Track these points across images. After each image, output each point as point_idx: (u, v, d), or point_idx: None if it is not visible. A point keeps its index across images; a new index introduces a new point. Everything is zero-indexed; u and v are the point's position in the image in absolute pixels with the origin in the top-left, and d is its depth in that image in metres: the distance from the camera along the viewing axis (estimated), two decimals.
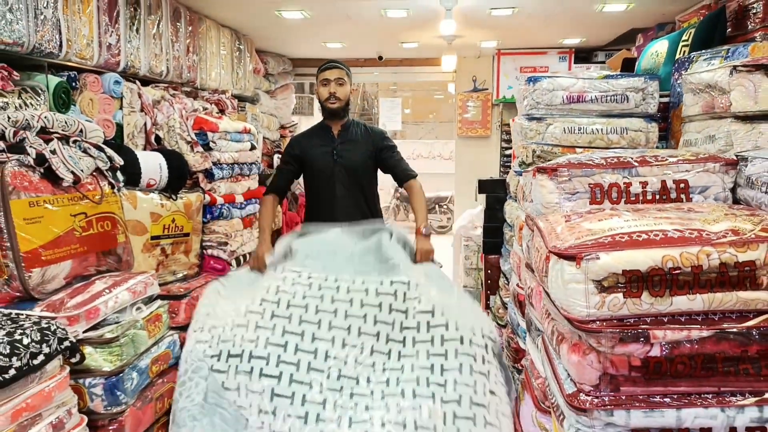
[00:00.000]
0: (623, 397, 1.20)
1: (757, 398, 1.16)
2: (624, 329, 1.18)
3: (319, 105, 2.80)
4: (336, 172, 2.66)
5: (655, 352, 1.17)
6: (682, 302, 1.17)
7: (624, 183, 1.62)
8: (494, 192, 3.16)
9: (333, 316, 1.77)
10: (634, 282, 1.17)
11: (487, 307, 3.16)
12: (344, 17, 3.93)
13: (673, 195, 1.60)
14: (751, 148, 1.68)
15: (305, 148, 2.72)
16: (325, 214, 2.64)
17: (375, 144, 2.72)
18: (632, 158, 1.66)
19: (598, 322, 1.19)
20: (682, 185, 1.60)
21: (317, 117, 8.57)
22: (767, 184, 1.40)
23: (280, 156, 4.72)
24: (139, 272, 2.08)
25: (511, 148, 4.44)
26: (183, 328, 2.37)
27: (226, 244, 2.87)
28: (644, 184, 1.61)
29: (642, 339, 1.17)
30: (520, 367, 2.13)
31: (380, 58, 5.62)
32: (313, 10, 3.69)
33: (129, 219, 2.27)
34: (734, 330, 1.16)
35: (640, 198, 1.61)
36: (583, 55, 5.24)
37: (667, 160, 1.64)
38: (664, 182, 1.61)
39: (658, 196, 1.60)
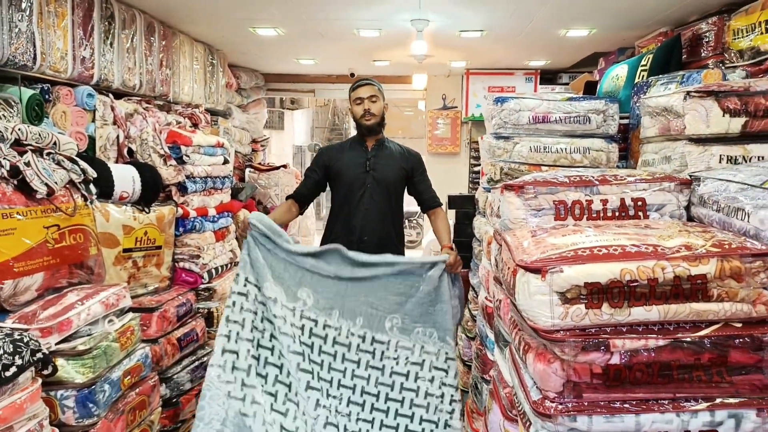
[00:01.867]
0: (586, 404, 1.26)
1: (708, 403, 1.24)
2: (586, 338, 1.25)
3: (355, 124, 2.82)
4: (367, 183, 2.67)
5: (615, 360, 1.24)
6: (640, 313, 1.24)
7: (586, 200, 1.71)
8: (463, 207, 3.25)
9: (320, 368, 2.15)
10: (595, 294, 1.24)
11: None
12: (317, 35, 3.99)
13: (632, 212, 1.69)
14: (704, 168, 1.79)
15: (336, 158, 2.73)
16: (348, 225, 2.66)
17: (410, 164, 2.76)
18: (593, 177, 1.74)
19: (561, 332, 1.26)
20: (639, 203, 1.70)
21: (288, 131, 8.60)
22: (717, 203, 1.50)
23: (251, 170, 4.74)
24: (111, 284, 2.07)
25: (479, 165, 4.55)
26: (154, 341, 2.37)
27: (198, 257, 2.88)
28: (605, 201, 1.70)
29: (603, 348, 1.24)
30: (488, 378, 2.19)
31: (352, 74, 5.70)
32: (286, 27, 3.75)
33: (101, 231, 2.26)
34: (688, 339, 1.24)
35: (601, 215, 1.70)
36: (549, 77, 5.42)
37: (625, 179, 1.73)
38: (623, 200, 1.70)
39: (617, 213, 1.69)
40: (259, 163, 4.99)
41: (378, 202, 2.69)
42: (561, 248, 1.33)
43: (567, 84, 5.09)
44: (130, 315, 2.08)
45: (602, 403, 1.26)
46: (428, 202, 2.77)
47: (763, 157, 1.75)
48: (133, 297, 2.25)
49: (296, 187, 2.79)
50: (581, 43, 4.09)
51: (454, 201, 3.35)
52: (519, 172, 2.49)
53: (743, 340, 1.22)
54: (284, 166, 4.85)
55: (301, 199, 2.68)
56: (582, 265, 1.25)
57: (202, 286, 2.91)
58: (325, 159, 2.75)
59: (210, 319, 2.94)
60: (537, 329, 1.29)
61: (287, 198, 2.72)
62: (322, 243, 2.72)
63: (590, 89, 3.35)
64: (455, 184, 5.59)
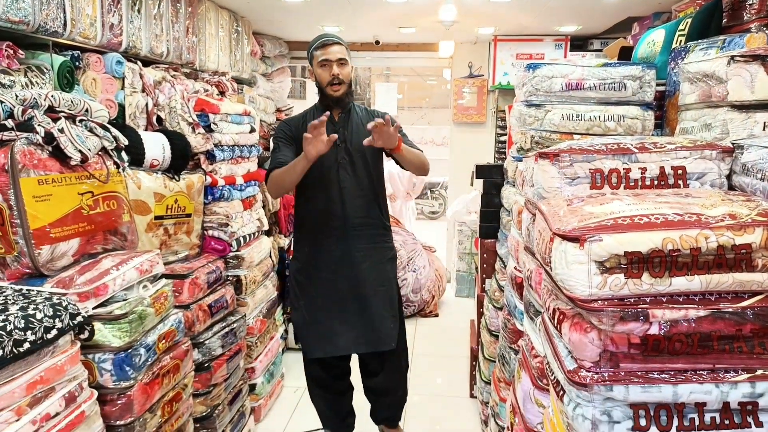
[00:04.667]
0: (622, 374, 1.25)
1: (749, 375, 1.22)
2: (624, 308, 1.23)
3: (317, 90, 2.47)
4: (339, 158, 2.42)
5: (654, 330, 1.22)
6: (681, 283, 1.22)
7: (624, 169, 1.67)
8: (491, 177, 3.21)
9: None
10: (635, 263, 1.21)
11: (483, 290, 3.22)
12: (344, 1, 3.93)
13: (671, 181, 1.65)
14: (747, 136, 1.73)
15: (301, 131, 2.34)
16: (327, 209, 2.45)
17: None
18: (632, 145, 1.70)
19: (599, 302, 1.24)
20: (679, 171, 1.65)
21: (310, 101, 8.55)
22: (762, 171, 1.45)
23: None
24: (144, 251, 2.10)
25: (506, 134, 4.48)
26: (186, 307, 2.42)
27: (226, 225, 2.90)
28: (643, 170, 1.66)
29: (642, 318, 1.22)
30: (517, 348, 2.19)
31: (377, 42, 5.62)
32: None
33: (133, 199, 2.29)
34: (729, 310, 1.21)
35: (639, 183, 1.66)
36: (579, 43, 5.27)
37: (665, 147, 1.69)
38: (662, 168, 1.65)
39: (656, 182, 1.65)
40: None
41: (356, 176, 2.42)
42: (599, 216, 1.30)
43: (598, 51, 4.95)
44: (164, 281, 2.11)
45: (639, 373, 1.25)
46: None
47: None
48: (165, 264, 2.28)
49: (273, 161, 2.44)
50: (615, 6, 3.96)
51: (481, 171, 3.30)
52: (550, 140, 2.44)
53: None
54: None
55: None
56: (622, 234, 1.22)
57: (231, 254, 2.94)
58: (290, 132, 2.46)
59: (239, 286, 2.98)
60: (573, 298, 1.27)
61: (270, 172, 2.41)
62: (297, 238, 2.60)
63: (625, 55, 3.24)
64: (481, 154, 5.52)
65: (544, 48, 5.21)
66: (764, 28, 2.60)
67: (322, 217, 2.49)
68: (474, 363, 3.35)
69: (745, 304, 1.22)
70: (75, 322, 1.59)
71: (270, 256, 3.45)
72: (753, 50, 1.83)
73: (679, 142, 1.72)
